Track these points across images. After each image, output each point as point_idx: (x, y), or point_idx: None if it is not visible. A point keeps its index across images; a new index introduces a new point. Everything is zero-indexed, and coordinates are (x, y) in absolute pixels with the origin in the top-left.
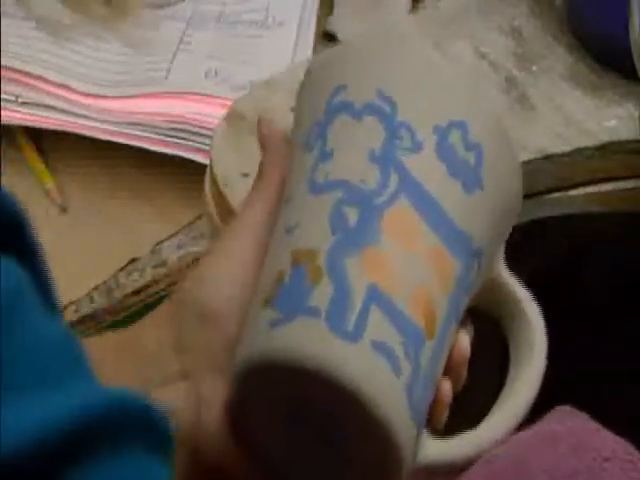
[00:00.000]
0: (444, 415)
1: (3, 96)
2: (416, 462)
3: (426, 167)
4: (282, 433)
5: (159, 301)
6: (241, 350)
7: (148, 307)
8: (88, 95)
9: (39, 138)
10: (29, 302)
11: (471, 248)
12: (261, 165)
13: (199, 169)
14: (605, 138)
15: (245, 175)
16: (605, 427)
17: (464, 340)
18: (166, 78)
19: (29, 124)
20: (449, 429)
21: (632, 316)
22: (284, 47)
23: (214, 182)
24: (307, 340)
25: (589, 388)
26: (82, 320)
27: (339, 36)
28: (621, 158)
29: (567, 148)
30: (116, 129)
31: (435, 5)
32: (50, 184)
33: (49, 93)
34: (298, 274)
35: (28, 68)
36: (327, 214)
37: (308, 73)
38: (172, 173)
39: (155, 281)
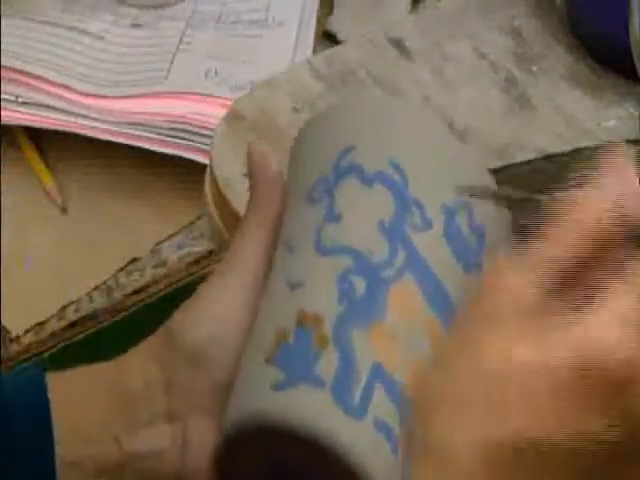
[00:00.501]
0: None
1: (3, 96)
2: None
3: (433, 247)
4: None
5: (159, 301)
6: (239, 403)
7: (148, 307)
8: (88, 95)
9: (39, 138)
10: None
11: None
12: (254, 200)
13: (199, 169)
14: (605, 138)
15: (245, 175)
16: None
17: None
18: (166, 78)
19: (29, 124)
20: None
21: None
22: (284, 47)
23: (214, 182)
24: (312, 410)
25: None
26: (82, 320)
27: (339, 36)
28: None
29: (567, 148)
30: (116, 129)
31: (435, 5)
32: (50, 184)
33: (49, 93)
34: (303, 337)
35: (28, 68)
36: (334, 279)
37: (313, 121)
38: (172, 173)
39: (155, 281)
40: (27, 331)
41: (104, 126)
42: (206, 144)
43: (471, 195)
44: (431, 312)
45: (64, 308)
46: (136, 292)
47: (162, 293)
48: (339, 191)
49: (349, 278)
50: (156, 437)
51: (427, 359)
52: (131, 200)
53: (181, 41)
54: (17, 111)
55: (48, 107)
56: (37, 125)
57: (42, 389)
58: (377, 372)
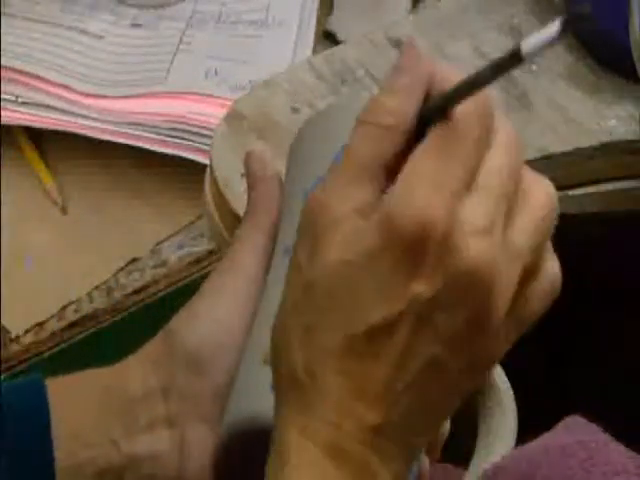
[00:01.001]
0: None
1: (3, 96)
2: None
3: None
4: None
5: (159, 301)
6: (237, 405)
7: (148, 307)
8: (88, 95)
9: (39, 138)
10: None
11: None
12: (252, 204)
13: (199, 169)
14: (605, 138)
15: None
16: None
17: None
18: (166, 78)
19: (29, 124)
20: None
21: (632, 316)
22: (284, 47)
23: (214, 182)
24: None
25: (586, 389)
26: (82, 320)
27: (339, 36)
28: (621, 158)
29: (567, 148)
30: (116, 129)
31: (435, 5)
32: (50, 184)
33: (49, 93)
34: None
35: (28, 68)
36: None
37: (310, 123)
38: (172, 173)
39: (155, 281)
40: (27, 331)
41: (104, 126)
42: (206, 144)
43: None
44: None
45: (64, 308)
46: (136, 292)
47: (162, 293)
48: None
49: None
50: (155, 441)
51: None
52: (131, 200)
53: (181, 41)
54: (17, 111)
55: (48, 107)
56: (37, 125)
57: (41, 393)
58: None
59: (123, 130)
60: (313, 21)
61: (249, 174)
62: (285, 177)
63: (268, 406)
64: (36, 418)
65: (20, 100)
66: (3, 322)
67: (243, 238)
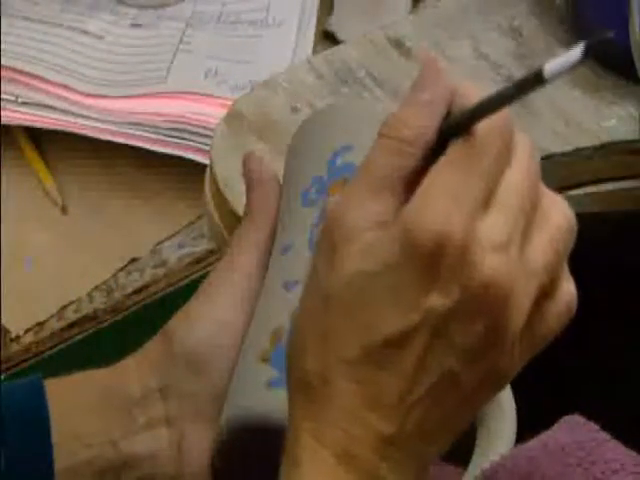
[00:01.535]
0: None
1: (3, 96)
2: None
3: None
4: None
5: (159, 301)
6: (234, 401)
7: (148, 307)
8: (88, 95)
9: (39, 138)
10: None
11: None
12: (251, 205)
13: (199, 169)
14: (605, 138)
15: None
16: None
17: None
18: (166, 78)
19: (29, 124)
20: None
21: (632, 316)
22: (284, 47)
23: (214, 182)
24: None
25: (585, 388)
26: (82, 320)
27: (339, 36)
28: (621, 158)
29: (567, 148)
30: (116, 129)
31: (435, 5)
32: (50, 184)
33: (49, 93)
34: None
35: (28, 68)
36: None
37: (308, 123)
38: (172, 173)
39: (155, 281)
40: (27, 331)
41: (104, 126)
42: (206, 144)
43: None
44: None
45: (64, 308)
46: (136, 292)
47: (162, 293)
48: (333, 190)
49: None
50: (153, 440)
51: None
52: (131, 200)
53: (181, 41)
54: (17, 111)
55: (48, 107)
56: (37, 125)
57: (41, 393)
58: None
59: (123, 130)
60: (313, 21)
61: (247, 175)
62: (283, 177)
63: (264, 404)
64: (36, 418)
65: (20, 100)
66: (3, 322)
67: (242, 238)
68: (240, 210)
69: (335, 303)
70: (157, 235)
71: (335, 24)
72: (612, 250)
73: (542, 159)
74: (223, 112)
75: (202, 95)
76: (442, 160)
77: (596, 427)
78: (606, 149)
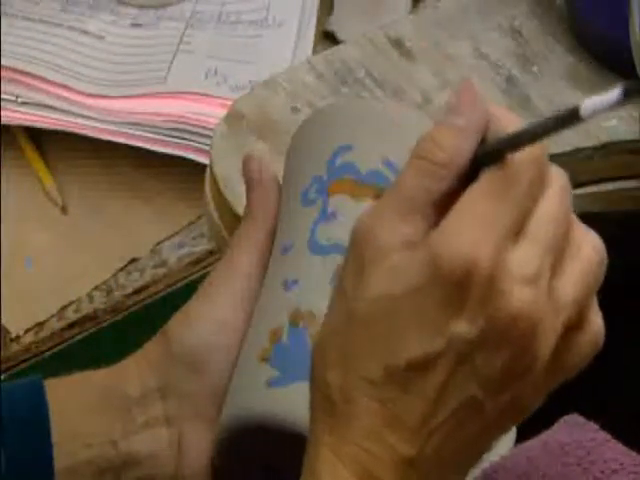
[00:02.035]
0: None
1: (3, 96)
2: None
3: None
4: None
5: (159, 301)
6: (233, 401)
7: (148, 307)
8: (88, 95)
9: (39, 138)
10: None
11: None
12: (251, 206)
13: (199, 169)
14: (605, 138)
15: None
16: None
17: None
18: (166, 78)
19: (29, 124)
20: None
21: (632, 316)
22: (284, 47)
23: (214, 182)
24: (305, 404)
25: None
26: (82, 320)
27: (339, 36)
28: (621, 158)
29: (567, 148)
30: (116, 129)
31: (435, 5)
32: (50, 184)
33: (49, 93)
34: (297, 335)
35: (28, 68)
36: (328, 277)
37: (307, 123)
38: (172, 173)
39: (155, 281)
40: (27, 331)
41: (104, 126)
42: (206, 144)
43: None
44: None
45: (64, 308)
46: (136, 292)
47: (162, 293)
48: (333, 190)
49: None
50: (153, 440)
51: None
52: (131, 200)
53: (181, 41)
54: (17, 111)
55: (48, 107)
56: (37, 125)
57: (41, 393)
58: None
59: (123, 130)
60: (313, 21)
61: (247, 176)
62: (283, 177)
63: (264, 403)
64: (35, 418)
65: (20, 100)
66: (3, 322)
67: (242, 238)
68: (240, 210)
69: (360, 322)
70: (157, 235)
71: (335, 24)
72: (612, 250)
73: None
74: (223, 112)
75: (202, 95)
76: (475, 187)
77: (595, 427)
78: (606, 149)
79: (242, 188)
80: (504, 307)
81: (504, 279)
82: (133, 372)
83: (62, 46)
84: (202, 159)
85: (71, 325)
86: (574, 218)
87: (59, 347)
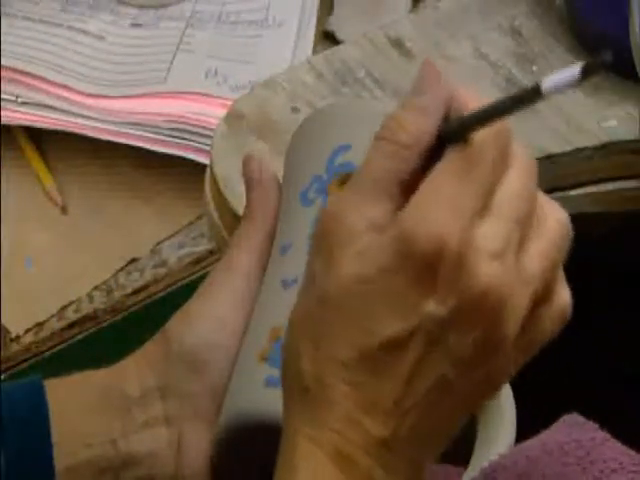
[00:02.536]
0: None
1: (3, 96)
2: None
3: None
4: None
5: (159, 301)
6: (232, 401)
7: (148, 307)
8: (88, 95)
9: (39, 138)
10: None
11: None
12: (250, 206)
13: (199, 169)
14: (605, 138)
15: None
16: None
17: None
18: (166, 78)
19: (29, 124)
20: None
21: (632, 316)
22: (284, 47)
23: (214, 182)
24: None
25: (584, 387)
26: (82, 320)
27: (339, 36)
28: (621, 158)
29: (567, 148)
30: (116, 129)
31: (435, 5)
32: (50, 184)
33: (49, 93)
34: None
35: (28, 68)
36: None
37: (307, 122)
38: (172, 173)
39: (155, 281)
40: (27, 331)
41: (104, 126)
42: (206, 144)
43: None
44: None
45: (64, 308)
46: (136, 292)
47: (162, 293)
48: (332, 189)
49: None
50: (152, 440)
51: None
52: (131, 200)
53: (181, 41)
54: (17, 111)
55: (48, 107)
56: (37, 125)
57: (41, 393)
58: None
59: (123, 130)
60: (313, 21)
61: (247, 176)
62: (283, 176)
63: (263, 402)
64: (35, 418)
65: (20, 100)
66: (3, 322)
67: (241, 238)
68: (240, 210)
69: (331, 305)
70: (157, 235)
71: (335, 24)
72: (612, 250)
73: (542, 159)
74: (223, 112)
75: (202, 95)
76: (439, 166)
77: (595, 426)
78: (606, 149)
79: (242, 188)
80: (474, 284)
81: (472, 257)
82: (133, 372)
83: (62, 46)
84: (202, 159)
85: (71, 325)
86: (540, 194)
87: (59, 347)
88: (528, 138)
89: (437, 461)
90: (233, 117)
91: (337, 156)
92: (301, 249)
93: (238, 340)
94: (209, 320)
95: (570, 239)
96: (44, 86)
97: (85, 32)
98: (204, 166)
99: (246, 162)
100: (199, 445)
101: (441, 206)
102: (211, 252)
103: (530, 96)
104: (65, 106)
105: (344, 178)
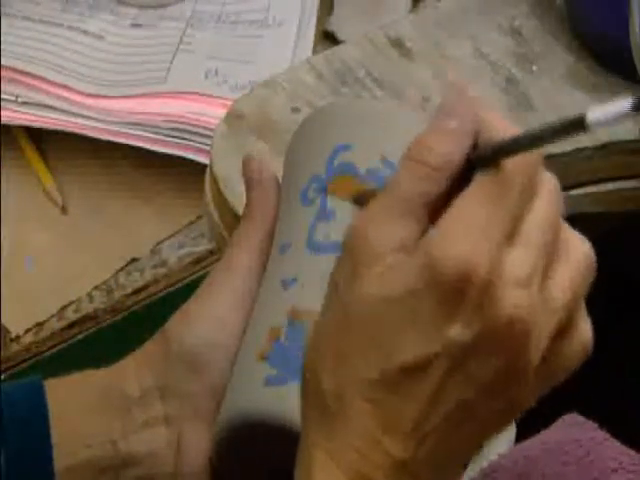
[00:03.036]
0: None
1: (3, 96)
2: None
3: None
4: None
5: (159, 301)
6: (232, 400)
7: (148, 307)
8: (88, 95)
9: (39, 138)
10: None
11: None
12: (250, 205)
13: (199, 169)
14: (605, 138)
15: None
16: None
17: None
18: (166, 78)
19: (29, 124)
20: None
21: (632, 316)
22: (284, 47)
23: (214, 182)
24: None
25: (584, 387)
26: (82, 320)
27: (339, 36)
28: (621, 158)
29: (567, 148)
30: (116, 129)
31: (435, 5)
32: (50, 184)
33: (49, 93)
34: (295, 334)
35: (28, 68)
36: (327, 275)
37: (307, 122)
38: (172, 173)
39: (155, 281)
40: (27, 331)
41: (104, 126)
42: (206, 144)
43: None
44: None
45: (64, 308)
46: (136, 292)
47: (162, 293)
48: (332, 189)
49: None
50: (152, 439)
51: None
52: (131, 200)
53: (181, 41)
54: (17, 111)
55: (48, 107)
56: (37, 125)
57: (40, 393)
58: None
59: (123, 130)
60: (313, 21)
61: (247, 176)
62: (283, 176)
63: (262, 402)
64: (35, 418)
65: (20, 100)
66: (3, 322)
67: (241, 238)
68: (240, 210)
69: (355, 323)
70: (157, 235)
71: (335, 24)
72: (612, 250)
73: (542, 159)
74: (223, 112)
75: (202, 95)
76: (469, 191)
77: (595, 426)
78: (606, 149)
79: (242, 188)
80: (498, 311)
81: (498, 284)
82: (132, 371)
83: (62, 46)
84: (202, 159)
85: (71, 325)
86: (564, 223)
87: (59, 347)
88: None
89: None
90: (233, 117)
91: (336, 156)
92: (300, 249)
93: (238, 340)
94: (209, 320)
95: (594, 271)
96: (44, 86)
97: (85, 32)
98: (204, 166)
99: (246, 162)
100: (199, 445)
101: (470, 231)
102: (211, 252)
103: (573, 127)
104: (65, 106)
105: (344, 178)
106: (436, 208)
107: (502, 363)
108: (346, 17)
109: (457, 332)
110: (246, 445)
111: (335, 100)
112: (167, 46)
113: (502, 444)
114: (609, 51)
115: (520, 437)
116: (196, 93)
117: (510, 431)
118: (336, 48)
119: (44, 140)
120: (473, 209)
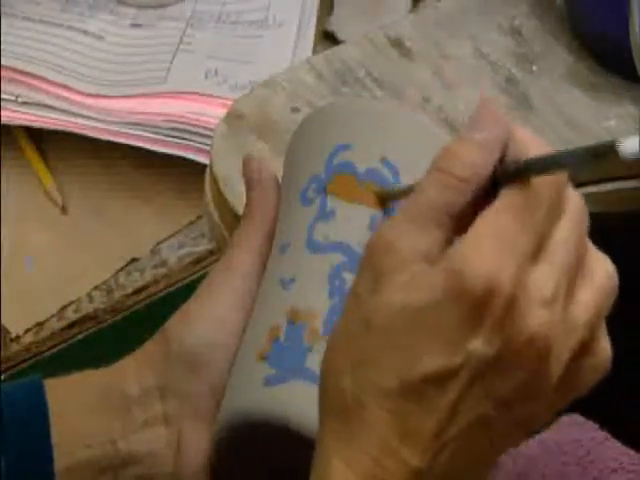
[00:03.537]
0: None
1: (3, 96)
2: None
3: None
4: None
5: (159, 301)
6: (231, 400)
7: (148, 307)
8: (88, 95)
9: (39, 138)
10: None
11: None
12: (250, 205)
13: (199, 169)
14: (605, 138)
15: None
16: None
17: None
18: (166, 78)
19: (29, 124)
20: None
21: (632, 316)
22: (284, 47)
23: (214, 182)
24: (302, 402)
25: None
26: (82, 320)
27: (339, 36)
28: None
29: (567, 148)
30: (116, 129)
31: (435, 5)
32: (50, 184)
33: (49, 93)
34: (295, 333)
35: (28, 68)
36: (326, 276)
37: (306, 122)
38: (172, 173)
39: (155, 281)
40: (27, 331)
41: (104, 126)
42: (206, 144)
43: None
44: None
45: (64, 308)
46: (136, 292)
47: (162, 293)
48: (331, 189)
49: (341, 274)
50: (152, 439)
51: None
52: (131, 200)
53: (181, 41)
54: (17, 111)
55: (48, 107)
56: (37, 125)
57: (40, 393)
58: None
59: (123, 130)
60: (313, 21)
61: (247, 175)
62: (282, 176)
63: (261, 401)
64: (35, 418)
65: (20, 100)
66: (3, 322)
67: (241, 238)
68: (240, 210)
69: (375, 331)
70: (157, 235)
71: (335, 24)
72: (612, 250)
73: None
74: (223, 112)
75: (202, 95)
76: (496, 205)
77: (595, 426)
78: None
79: (242, 188)
80: (522, 328)
81: (523, 300)
82: (132, 371)
83: (62, 46)
84: (202, 159)
85: (71, 325)
86: (588, 242)
87: (59, 347)
88: None
89: None
90: (233, 117)
91: (336, 156)
92: (299, 248)
93: (238, 340)
94: (209, 320)
95: (616, 292)
96: (44, 86)
97: (85, 32)
98: (204, 166)
99: (246, 162)
100: (198, 445)
101: (495, 246)
102: (211, 252)
103: (605, 155)
104: (65, 106)
105: (343, 178)
106: (460, 220)
107: (522, 379)
108: (346, 17)
109: (479, 346)
110: (246, 445)
111: (335, 100)
112: (167, 46)
113: None
114: (609, 51)
115: None
116: (196, 93)
117: None
118: (336, 48)
119: (44, 140)
120: (501, 223)
